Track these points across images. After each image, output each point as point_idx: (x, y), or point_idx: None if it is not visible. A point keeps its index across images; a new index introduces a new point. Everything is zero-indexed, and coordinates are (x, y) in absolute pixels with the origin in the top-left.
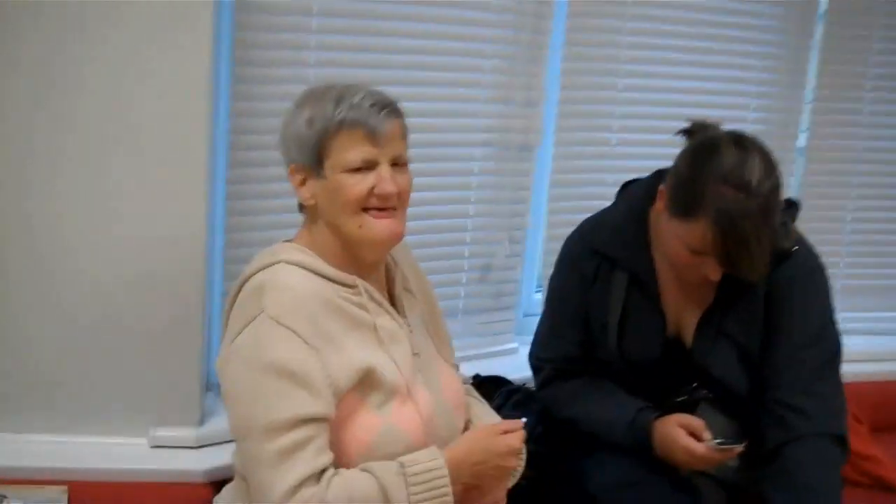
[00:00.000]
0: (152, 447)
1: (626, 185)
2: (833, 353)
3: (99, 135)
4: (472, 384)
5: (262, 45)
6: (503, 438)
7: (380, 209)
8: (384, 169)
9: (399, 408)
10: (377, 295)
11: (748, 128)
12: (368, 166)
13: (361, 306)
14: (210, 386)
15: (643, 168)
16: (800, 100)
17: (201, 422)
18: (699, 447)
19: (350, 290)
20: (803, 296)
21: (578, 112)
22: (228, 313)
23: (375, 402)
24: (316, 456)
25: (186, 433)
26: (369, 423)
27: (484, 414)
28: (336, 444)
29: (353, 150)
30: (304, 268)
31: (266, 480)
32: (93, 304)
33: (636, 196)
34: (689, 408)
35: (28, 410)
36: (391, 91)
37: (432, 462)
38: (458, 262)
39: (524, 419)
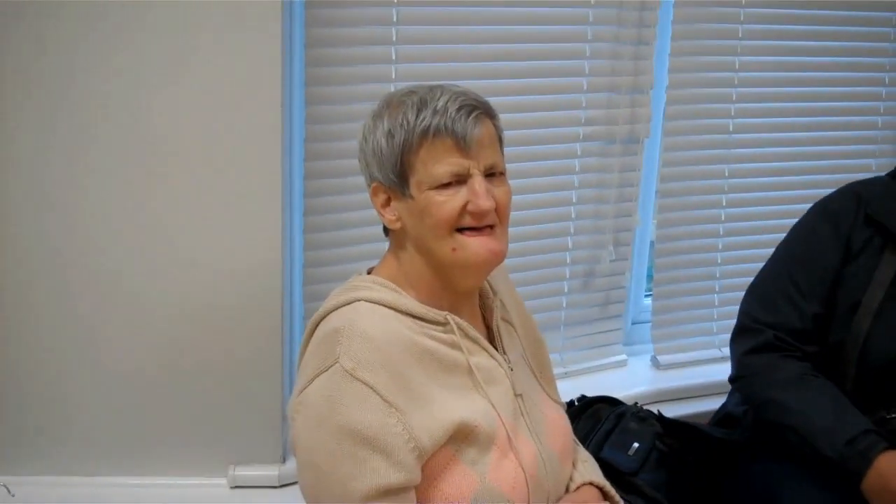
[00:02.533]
0: (232, 487)
1: None
2: None
3: (166, 158)
4: (578, 405)
5: (337, 41)
6: None
7: (475, 228)
8: (477, 181)
9: (499, 462)
10: (472, 331)
11: (884, 96)
12: (460, 180)
13: (454, 345)
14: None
15: (764, 157)
16: None
17: (283, 459)
18: None
19: (440, 329)
20: None
21: (690, 97)
22: (302, 355)
23: (471, 457)
24: None
25: (268, 472)
26: (463, 483)
27: (585, 470)
28: None
29: (440, 164)
30: (387, 306)
31: None
32: (167, 338)
33: None
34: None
35: (99, 451)
36: (481, 87)
37: None
38: (559, 270)
39: None
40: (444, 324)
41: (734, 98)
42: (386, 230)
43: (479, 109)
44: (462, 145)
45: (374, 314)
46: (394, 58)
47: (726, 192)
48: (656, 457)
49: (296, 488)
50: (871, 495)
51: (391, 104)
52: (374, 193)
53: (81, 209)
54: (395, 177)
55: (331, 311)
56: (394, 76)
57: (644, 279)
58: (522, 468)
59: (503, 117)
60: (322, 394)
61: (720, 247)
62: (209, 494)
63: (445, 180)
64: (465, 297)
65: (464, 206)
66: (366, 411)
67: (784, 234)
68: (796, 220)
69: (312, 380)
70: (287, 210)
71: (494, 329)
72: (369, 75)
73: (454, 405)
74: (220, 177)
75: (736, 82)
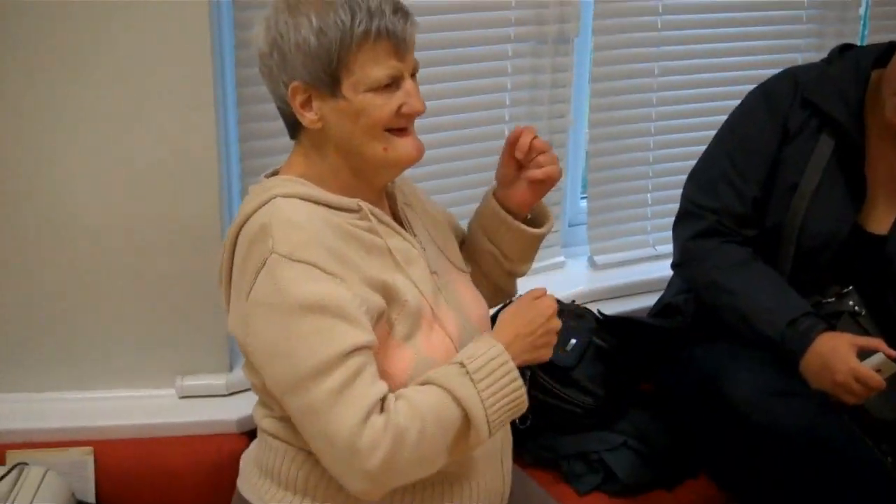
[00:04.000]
0: (181, 397)
1: (845, 48)
2: None
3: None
4: None
5: None
6: (540, 303)
7: (402, 128)
8: (409, 84)
9: (427, 335)
10: (384, 216)
11: None
12: (395, 83)
13: (371, 230)
14: None
15: (695, 53)
16: None
17: (230, 367)
18: (868, 372)
19: (355, 216)
20: None
21: None
22: (230, 266)
23: (402, 333)
24: (372, 384)
25: (216, 381)
26: (401, 358)
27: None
28: None
29: (379, 66)
30: (302, 198)
31: (327, 426)
32: (108, 252)
33: (864, 57)
34: (831, 317)
35: (45, 367)
36: None
37: (491, 350)
38: (491, 174)
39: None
40: (358, 210)
41: None
42: (293, 130)
43: (407, 11)
44: (400, 48)
45: (293, 204)
46: None
47: (656, 90)
48: (594, 352)
49: (244, 396)
50: (808, 374)
51: (308, 1)
52: (294, 93)
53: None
54: (327, 76)
55: (251, 214)
56: None
57: (579, 181)
58: (450, 337)
59: (434, 19)
60: (267, 286)
61: (651, 145)
62: (158, 405)
63: (385, 83)
64: (376, 192)
65: (399, 108)
66: (314, 284)
67: (713, 131)
68: (724, 116)
69: (253, 281)
70: (222, 118)
71: (400, 213)
72: None
73: (383, 276)
74: (150, 56)
75: None
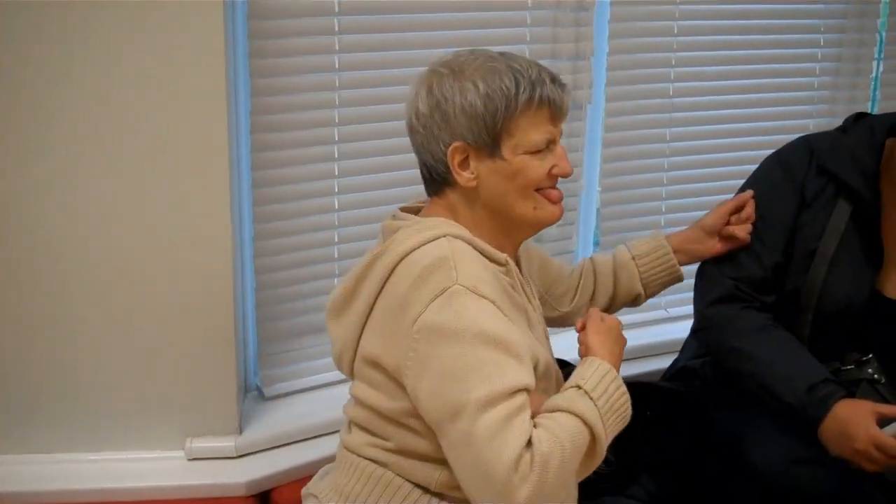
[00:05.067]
0: (189, 460)
1: (860, 116)
2: None
3: (119, 139)
4: None
5: (280, 52)
6: (610, 319)
7: (551, 188)
8: (560, 148)
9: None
10: (520, 275)
11: (819, 57)
12: (549, 146)
13: (514, 287)
14: (248, 388)
15: (709, 119)
16: (872, 28)
17: (240, 430)
18: (888, 440)
19: (502, 269)
20: None
21: (631, 63)
22: (377, 293)
23: (541, 388)
24: (528, 422)
25: (225, 443)
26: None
27: None
28: None
29: (538, 130)
30: (466, 241)
31: (484, 456)
32: (118, 310)
33: (879, 126)
34: (850, 385)
35: (52, 428)
36: (428, 58)
37: (600, 368)
38: None
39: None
40: (504, 265)
41: (674, 62)
42: (437, 186)
43: (566, 84)
44: (557, 115)
45: (466, 246)
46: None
47: (668, 155)
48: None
49: (253, 459)
50: (828, 440)
51: (472, 68)
52: (453, 153)
53: (34, 190)
54: (489, 138)
55: (416, 248)
56: (337, 84)
57: (591, 244)
58: None
59: None
60: (447, 312)
61: (663, 209)
62: (167, 467)
63: (542, 146)
64: (516, 249)
65: (551, 169)
66: (494, 321)
67: (724, 195)
68: (737, 181)
69: (428, 305)
70: (236, 181)
71: (525, 275)
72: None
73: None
74: (166, 156)
75: (675, 47)
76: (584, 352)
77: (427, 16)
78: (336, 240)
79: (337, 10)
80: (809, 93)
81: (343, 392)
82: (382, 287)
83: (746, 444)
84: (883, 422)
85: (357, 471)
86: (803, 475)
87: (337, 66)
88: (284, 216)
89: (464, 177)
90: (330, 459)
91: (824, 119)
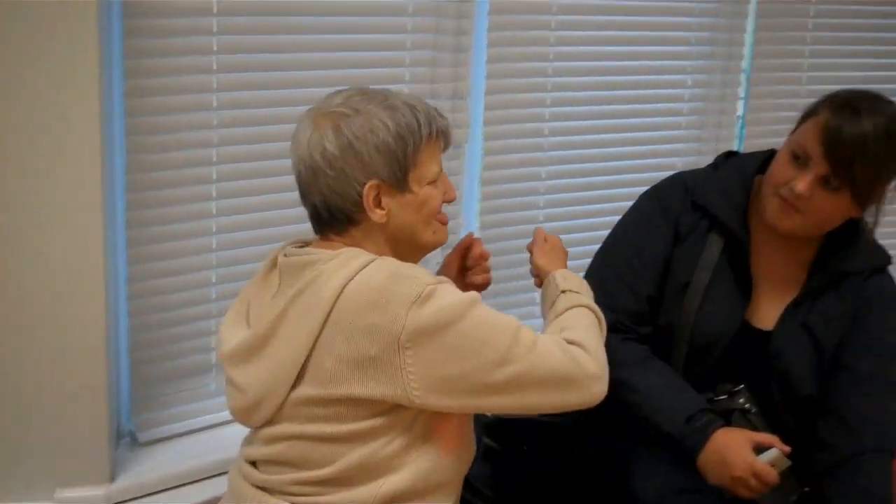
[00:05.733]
0: None
1: (730, 155)
2: None
3: None
4: None
5: (157, 52)
6: (549, 237)
7: (442, 213)
8: (445, 175)
9: None
10: None
11: (686, 97)
12: (440, 175)
13: None
14: (122, 434)
15: (582, 158)
16: (737, 69)
17: (112, 478)
18: (764, 467)
19: None
20: (893, 312)
21: (507, 103)
22: (318, 331)
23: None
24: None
25: (96, 492)
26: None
27: None
28: None
29: (434, 161)
30: None
31: (544, 361)
32: None
33: (748, 164)
34: (723, 414)
35: None
36: (304, 96)
37: (558, 275)
38: None
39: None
40: None
41: (548, 102)
42: (341, 225)
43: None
44: (447, 145)
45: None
46: (215, 67)
47: (543, 193)
48: (482, 452)
49: None
50: (706, 469)
51: (373, 106)
52: (370, 191)
53: None
54: (401, 173)
55: (352, 277)
56: (215, 86)
57: None
58: None
59: None
60: (430, 311)
61: None
62: None
63: (437, 176)
64: None
65: (444, 195)
66: (461, 292)
67: (597, 231)
68: (611, 218)
69: (407, 315)
70: (109, 224)
71: None
72: (189, 85)
73: None
74: (40, 190)
75: (549, 87)
76: (538, 272)
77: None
78: (213, 280)
79: (216, 10)
80: (678, 132)
81: (220, 436)
82: (324, 324)
83: (629, 475)
84: (759, 450)
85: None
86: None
87: (215, 67)
88: (159, 257)
89: (377, 213)
90: None
91: (692, 157)
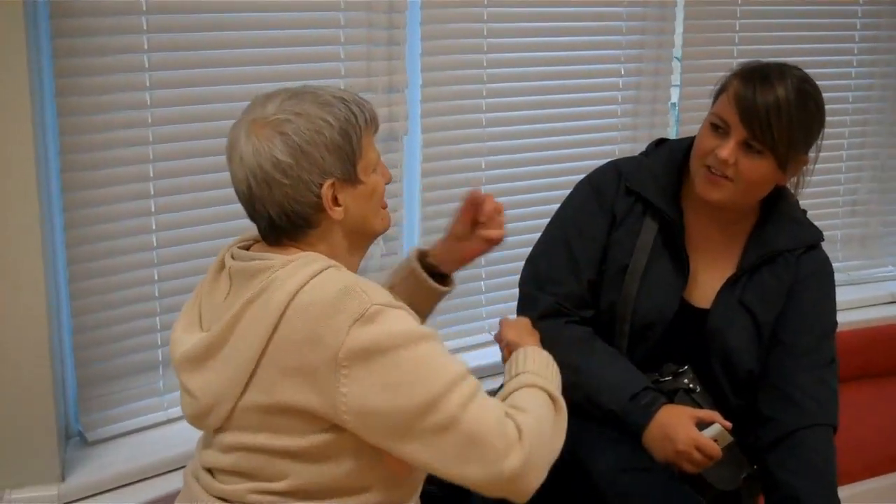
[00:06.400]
0: None
1: (661, 142)
2: (834, 350)
3: None
4: None
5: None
6: (517, 320)
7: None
8: (381, 160)
9: None
10: None
11: (620, 86)
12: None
13: None
14: (70, 434)
15: (521, 147)
16: (668, 58)
17: (62, 477)
18: (707, 441)
19: None
20: (827, 289)
21: (444, 95)
22: (266, 338)
23: None
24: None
25: (47, 492)
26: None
27: None
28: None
29: (372, 148)
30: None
31: (473, 426)
32: None
33: (677, 148)
34: (668, 395)
35: None
36: (241, 92)
37: (524, 352)
38: None
39: None
40: None
41: (485, 94)
42: (289, 233)
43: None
44: (377, 130)
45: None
46: (147, 65)
47: (484, 182)
48: None
49: None
50: (651, 445)
51: (308, 106)
52: (328, 191)
53: None
54: (351, 167)
55: (304, 284)
56: (148, 84)
57: None
58: None
59: None
60: (373, 332)
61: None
62: None
63: (377, 161)
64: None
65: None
66: (416, 323)
67: (538, 220)
68: (550, 206)
69: (349, 332)
70: (47, 225)
71: None
72: (121, 84)
73: None
74: None
75: (485, 78)
76: (508, 346)
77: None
78: (156, 278)
79: (145, 8)
80: (612, 120)
81: (169, 433)
82: (273, 332)
83: (581, 452)
84: (701, 426)
85: None
86: (632, 481)
87: (147, 65)
88: (99, 256)
89: (337, 211)
90: (159, 502)
91: (628, 144)
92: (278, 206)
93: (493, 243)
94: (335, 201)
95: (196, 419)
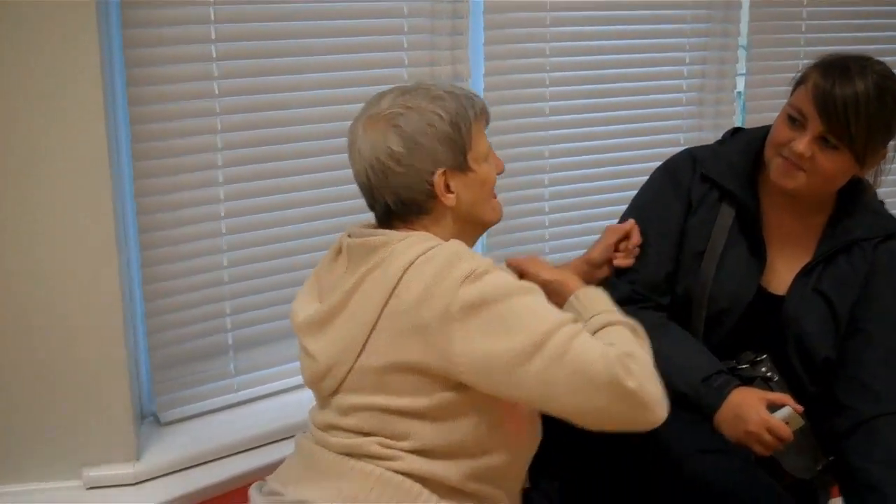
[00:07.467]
0: (87, 488)
1: (737, 131)
2: None
3: None
4: None
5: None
6: (533, 259)
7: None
8: (492, 150)
9: None
10: None
11: (685, 73)
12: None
13: None
14: (145, 415)
15: (582, 136)
16: (734, 46)
17: (137, 456)
18: (778, 423)
19: None
20: None
21: (507, 83)
22: (383, 303)
23: None
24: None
25: (123, 470)
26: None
27: None
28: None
29: (483, 139)
30: None
31: (580, 356)
32: (9, 341)
33: (754, 137)
34: (746, 382)
35: None
36: (303, 81)
37: (578, 294)
38: None
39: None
40: None
41: (548, 82)
42: (403, 218)
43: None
44: (487, 123)
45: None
46: (214, 55)
47: (547, 171)
48: None
49: (152, 485)
50: (722, 426)
51: (421, 101)
52: (440, 180)
53: None
54: (462, 157)
55: (421, 255)
56: (216, 73)
57: None
58: None
59: (327, 112)
60: (481, 287)
61: (546, 223)
62: (65, 497)
63: (488, 152)
64: None
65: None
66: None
67: (599, 208)
68: (613, 192)
69: (459, 289)
70: (120, 210)
71: None
72: (190, 74)
73: None
74: (52, 182)
75: (548, 67)
76: (550, 287)
77: (302, 41)
78: (224, 264)
79: (213, 18)
80: (678, 108)
81: (239, 415)
82: (390, 296)
83: (654, 435)
84: (772, 408)
85: (372, 478)
86: (712, 463)
87: (214, 55)
88: (170, 242)
89: (449, 198)
90: (231, 482)
91: (693, 133)
92: (394, 194)
93: (609, 271)
94: (447, 188)
95: (313, 381)
